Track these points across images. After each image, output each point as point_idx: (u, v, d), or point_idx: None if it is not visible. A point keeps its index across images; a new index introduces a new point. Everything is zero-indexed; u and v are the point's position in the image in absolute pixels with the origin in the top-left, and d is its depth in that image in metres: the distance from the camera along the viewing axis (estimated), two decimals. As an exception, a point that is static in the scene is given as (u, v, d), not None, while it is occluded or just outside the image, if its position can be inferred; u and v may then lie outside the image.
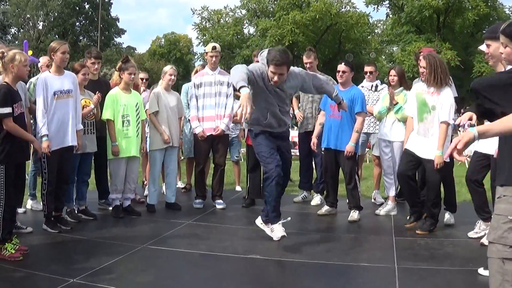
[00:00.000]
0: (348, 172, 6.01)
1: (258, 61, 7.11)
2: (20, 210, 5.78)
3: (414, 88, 5.69)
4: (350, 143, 5.90)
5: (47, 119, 5.05)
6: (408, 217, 5.77)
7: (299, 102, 7.10)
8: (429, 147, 5.32)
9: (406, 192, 5.69)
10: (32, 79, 6.03)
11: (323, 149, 6.24)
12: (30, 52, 6.90)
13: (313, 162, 7.17)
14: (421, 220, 5.57)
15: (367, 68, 7.27)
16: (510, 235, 2.69)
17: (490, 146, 4.66)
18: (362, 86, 7.19)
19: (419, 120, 5.43)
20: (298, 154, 7.31)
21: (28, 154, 4.80)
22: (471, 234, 5.24)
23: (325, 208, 6.32)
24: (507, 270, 2.67)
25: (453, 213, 5.81)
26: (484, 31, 4.87)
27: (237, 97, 7.22)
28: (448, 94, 5.29)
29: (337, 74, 6.14)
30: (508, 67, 4.15)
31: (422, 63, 5.36)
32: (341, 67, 6.07)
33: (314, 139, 6.24)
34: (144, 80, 7.46)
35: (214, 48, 6.59)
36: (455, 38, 31.24)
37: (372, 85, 7.05)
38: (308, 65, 6.92)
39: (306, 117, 6.86)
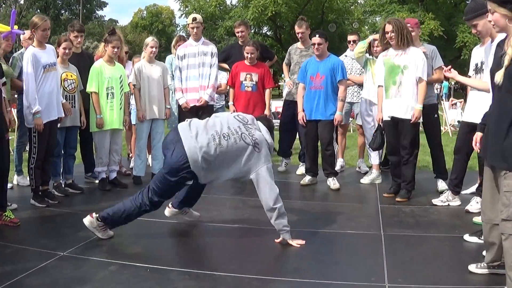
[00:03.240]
0: (328, 139, 6.09)
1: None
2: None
3: (380, 57, 5.69)
4: (338, 112, 6.00)
5: (37, 94, 5.01)
6: (390, 187, 5.82)
7: (290, 70, 7.07)
8: (402, 106, 5.38)
9: (394, 163, 5.72)
10: (15, 54, 5.93)
11: (305, 120, 6.24)
12: (16, 27, 6.72)
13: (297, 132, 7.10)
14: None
15: (350, 37, 7.30)
16: None
17: (476, 115, 4.27)
18: (346, 55, 7.18)
19: (391, 84, 5.45)
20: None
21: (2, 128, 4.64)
22: (436, 201, 5.33)
23: (308, 178, 6.37)
24: None
25: (445, 180, 5.86)
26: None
27: (221, 68, 7.19)
28: (418, 52, 5.37)
29: (312, 47, 6.15)
30: (498, 37, 4.12)
31: (388, 27, 5.41)
32: (316, 39, 6.05)
33: (302, 113, 6.20)
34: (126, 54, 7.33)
35: (194, 19, 6.56)
36: (438, 8, 31.13)
37: (355, 54, 7.01)
38: (300, 35, 6.87)
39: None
